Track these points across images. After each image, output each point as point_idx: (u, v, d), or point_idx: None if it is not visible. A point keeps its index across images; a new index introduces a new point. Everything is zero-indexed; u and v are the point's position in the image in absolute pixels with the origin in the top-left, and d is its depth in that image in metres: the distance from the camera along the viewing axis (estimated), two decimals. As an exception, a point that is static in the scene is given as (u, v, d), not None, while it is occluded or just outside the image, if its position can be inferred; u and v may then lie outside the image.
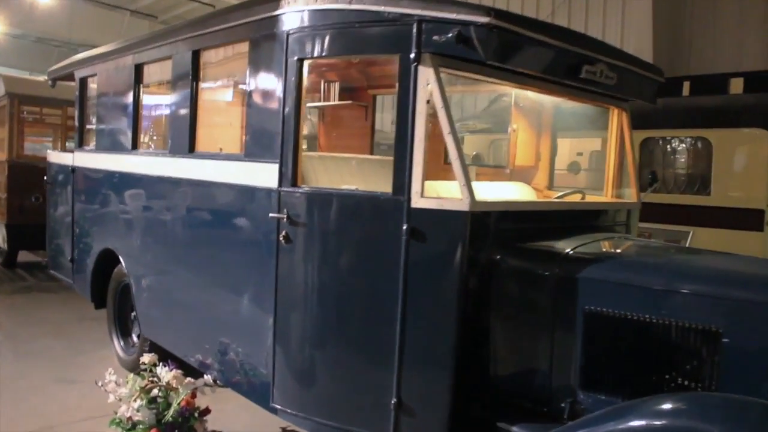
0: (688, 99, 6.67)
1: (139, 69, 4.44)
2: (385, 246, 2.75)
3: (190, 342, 3.89)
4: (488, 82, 3.18)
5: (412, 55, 2.65)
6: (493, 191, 3.68)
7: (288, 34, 2.97)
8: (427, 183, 3.54)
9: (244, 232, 3.33)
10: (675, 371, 2.42)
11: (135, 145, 4.48)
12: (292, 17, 2.97)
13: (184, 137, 3.78)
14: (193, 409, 3.32)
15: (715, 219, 5.77)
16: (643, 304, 2.49)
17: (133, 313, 4.82)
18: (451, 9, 2.57)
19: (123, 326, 4.94)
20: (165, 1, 16.72)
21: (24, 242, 8.09)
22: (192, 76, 3.74)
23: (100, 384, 3.40)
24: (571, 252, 2.80)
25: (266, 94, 3.15)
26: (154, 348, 4.37)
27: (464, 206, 2.62)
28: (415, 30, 2.64)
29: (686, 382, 2.39)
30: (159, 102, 4.49)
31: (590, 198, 3.88)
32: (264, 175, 3.10)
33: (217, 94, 4.10)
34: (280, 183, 3.01)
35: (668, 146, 6.24)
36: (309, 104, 4.78)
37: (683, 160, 6.22)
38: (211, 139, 3.89)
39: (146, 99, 4.52)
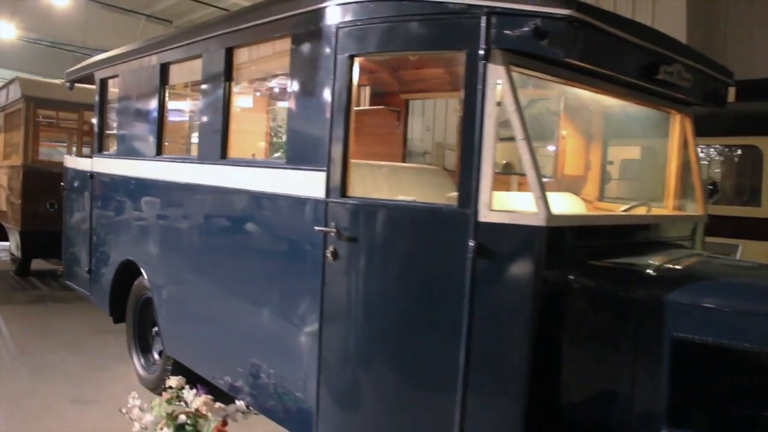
0: (735, 105, 6.36)
1: (164, 69, 4.18)
2: (447, 264, 2.48)
3: (219, 363, 3.60)
4: (551, 83, 2.91)
5: (481, 52, 2.37)
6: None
7: (338, 28, 2.70)
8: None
9: (285, 246, 3.05)
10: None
11: (159, 150, 4.21)
12: (342, 9, 2.70)
13: (216, 142, 3.50)
14: (225, 439, 3.04)
15: (767, 232, 5.45)
16: (740, 331, 2.22)
17: (154, 329, 4.55)
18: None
19: (143, 342, 4.67)
20: (180, 6, 16.53)
21: (38, 250, 7.83)
22: (224, 75, 3.47)
23: (124, 411, 3.12)
24: (654, 272, 2.51)
25: (311, 95, 2.88)
26: (177, 366, 4.10)
27: (540, 221, 2.34)
28: (484, 23, 2.37)
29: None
30: (187, 104, 4.24)
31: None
32: (308, 183, 2.82)
33: (252, 96, 3.83)
34: (328, 193, 2.73)
35: (715, 155, 5.93)
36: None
37: (731, 169, 5.91)
38: (244, 144, 3.62)
39: (172, 101, 4.26)
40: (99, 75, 5.30)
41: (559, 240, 2.45)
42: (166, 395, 3.31)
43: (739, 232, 5.56)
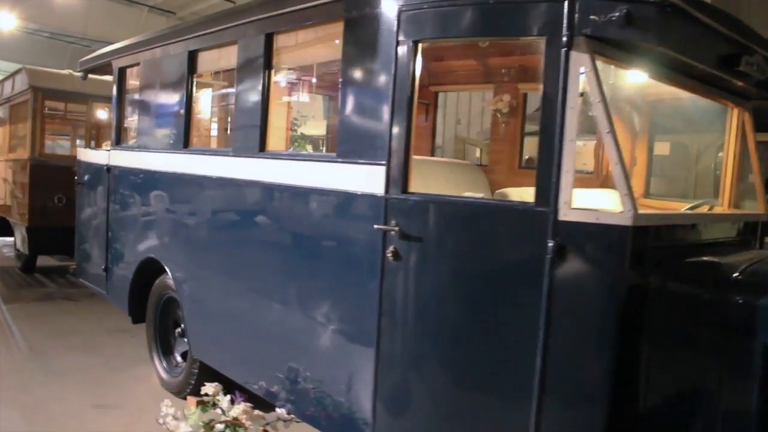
0: None
1: (192, 56, 3.96)
2: (523, 265, 2.31)
3: (255, 367, 3.42)
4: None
5: (564, 39, 2.20)
6: (588, 200, 3.22)
7: (400, 12, 2.51)
8: (507, 190, 3.10)
9: (334, 244, 2.86)
10: None
11: (187, 142, 4.01)
12: (405, -8, 2.51)
13: (254, 133, 3.30)
14: (266, 449, 2.86)
15: None
16: None
17: (177, 330, 4.36)
18: (615, -18, 2.12)
19: (165, 344, 4.47)
20: (183, -3, 16.31)
21: (46, 246, 7.57)
22: (264, 63, 3.26)
23: (161, 421, 2.93)
24: (740, 275, 2.35)
25: (368, 83, 2.68)
26: (203, 369, 3.91)
27: (626, 220, 2.17)
28: (566, 8, 2.21)
29: None
30: (218, 94, 4.03)
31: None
32: (365, 178, 2.64)
33: (295, 85, 3.63)
34: (387, 188, 2.55)
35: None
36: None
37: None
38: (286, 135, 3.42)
39: (200, 91, 4.05)
40: (117, 64, 5.06)
41: (643, 240, 2.29)
42: (191, 399, 3.13)
43: None
